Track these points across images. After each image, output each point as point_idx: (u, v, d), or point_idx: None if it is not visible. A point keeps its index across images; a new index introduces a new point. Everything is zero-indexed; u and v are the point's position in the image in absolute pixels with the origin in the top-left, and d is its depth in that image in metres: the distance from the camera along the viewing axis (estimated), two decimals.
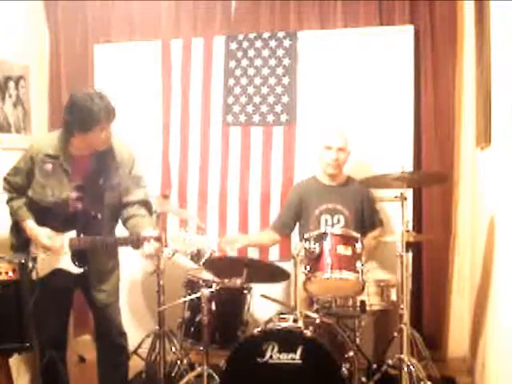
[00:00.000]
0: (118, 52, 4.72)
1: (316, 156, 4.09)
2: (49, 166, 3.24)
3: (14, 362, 3.34)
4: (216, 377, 3.38)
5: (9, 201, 3.38)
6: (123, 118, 4.08)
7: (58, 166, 3.24)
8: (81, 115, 3.11)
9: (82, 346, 4.50)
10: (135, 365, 3.92)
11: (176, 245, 3.24)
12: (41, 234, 3.27)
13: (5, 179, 3.38)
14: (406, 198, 3.39)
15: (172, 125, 4.63)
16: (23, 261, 3.07)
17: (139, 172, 3.42)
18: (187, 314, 3.82)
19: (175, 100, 4.62)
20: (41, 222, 3.30)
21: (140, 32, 4.75)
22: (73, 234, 3.28)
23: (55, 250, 3.26)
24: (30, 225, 3.30)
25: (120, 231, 3.45)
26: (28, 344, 2.99)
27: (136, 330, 4.37)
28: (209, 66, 4.56)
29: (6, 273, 2.98)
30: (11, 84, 4.46)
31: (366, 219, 4.05)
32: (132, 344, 3.88)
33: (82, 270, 3.30)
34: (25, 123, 4.63)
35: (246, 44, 4.48)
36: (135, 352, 3.98)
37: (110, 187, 3.30)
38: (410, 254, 3.63)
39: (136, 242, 3.24)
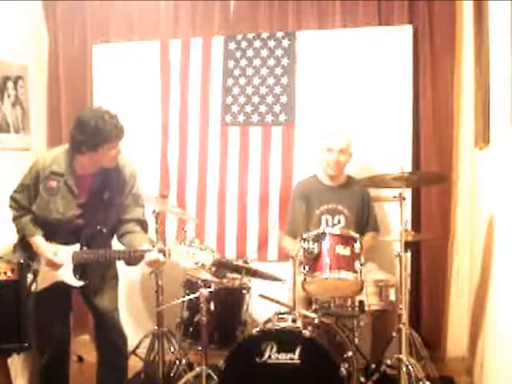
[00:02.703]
0: (117, 52, 4.72)
1: (316, 157, 4.08)
2: (53, 184, 3.27)
3: (13, 362, 3.35)
4: (215, 377, 3.37)
5: (15, 219, 3.39)
6: (122, 119, 4.08)
7: (63, 184, 3.27)
8: (91, 134, 3.14)
9: (81, 345, 4.50)
10: (134, 365, 3.92)
11: (178, 259, 3.24)
12: (47, 250, 3.29)
13: (11, 197, 3.40)
14: (404, 198, 3.39)
15: (171, 125, 4.62)
16: (22, 261, 3.08)
17: (139, 191, 3.46)
18: (186, 314, 3.82)
19: (174, 100, 4.62)
20: (45, 235, 3.33)
21: (139, 32, 4.75)
22: (76, 246, 3.32)
23: (58, 265, 3.28)
24: (38, 241, 3.32)
25: (115, 247, 3.50)
26: (27, 344, 2.99)
27: (135, 330, 4.37)
28: (207, 66, 4.56)
29: (5, 273, 2.99)
30: (10, 84, 4.45)
31: (365, 220, 4.06)
32: (131, 344, 3.87)
33: (82, 283, 3.32)
34: (23, 123, 4.63)
35: (244, 44, 4.48)
36: (134, 352, 3.98)
37: (112, 204, 3.34)
38: (409, 254, 3.63)
39: (137, 256, 3.26)
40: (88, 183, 3.32)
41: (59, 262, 3.27)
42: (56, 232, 3.31)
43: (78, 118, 3.22)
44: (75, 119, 3.24)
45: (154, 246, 3.26)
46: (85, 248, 3.30)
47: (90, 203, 3.31)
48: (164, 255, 3.22)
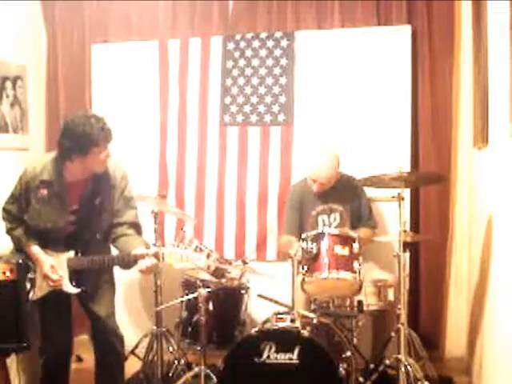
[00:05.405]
0: (116, 52, 4.72)
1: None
2: (44, 192, 3.23)
3: (12, 362, 3.35)
4: (213, 377, 3.37)
5: (9, 231, 3.36)
6: (121, 119, 4.08)
7: (53, 193, 3.24)
8: (79, 139, 3.09)
9: (80, 345, 4.49)
10: (133, 365, 3.92)
11: (171, 261, 3.22)
12: (45, 263, 3.25)
13: (4, 209, 3.37)
14: (403, 198, 3.39)
15: (169, 125, 4.62)
16: (21, 261, 3.08)
17: (131, 193, 3.41)
18: (184, 314, 3.82)
19: (172, 100, 4.62)
20: (39, 243, 3.30)
21: (137, 32, 4.74)
22: (71, 253, 3.29)
23: (54, 280, 3.24)
24: (35, 251, 3.29)
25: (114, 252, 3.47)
26: (25, 344, 2.99)
27: (133, 329, 4.38)
28: (206, 66, 4.56)
29: (4, 273, 2.98)
30: (8, 84, 4.45)
31: (358, 213, 4.02)
32: (129, 344, 3.88)
33: (78, 291, 3.30)
34: (22, 123, 4.62)
35: (243, 44, 4.48)
36: (133, 352, 3.97)
37: (104, 209, 3.31)
38: (408, 254, 3.63)
39: (131, 261, 3.23)
40: (79, 189, 3.28)
41: (55, 279, 3.23)
42: (50, 240, 3.28)
43: (65, 125, 3.17)
44: (62, 127, 3.19)
45: (147, 248, 3.22)
46: (79, 254, 3.28)
47: (83, 209, 3.28)
48: (158, 259, 3.18)
